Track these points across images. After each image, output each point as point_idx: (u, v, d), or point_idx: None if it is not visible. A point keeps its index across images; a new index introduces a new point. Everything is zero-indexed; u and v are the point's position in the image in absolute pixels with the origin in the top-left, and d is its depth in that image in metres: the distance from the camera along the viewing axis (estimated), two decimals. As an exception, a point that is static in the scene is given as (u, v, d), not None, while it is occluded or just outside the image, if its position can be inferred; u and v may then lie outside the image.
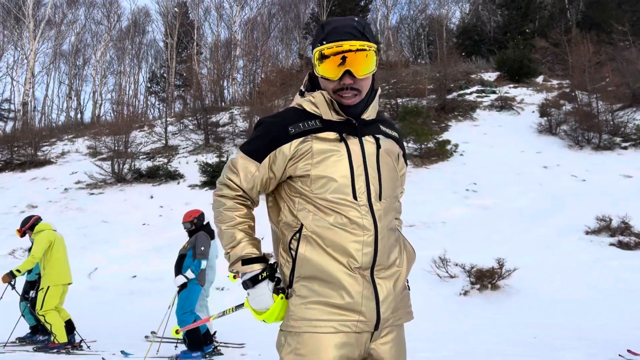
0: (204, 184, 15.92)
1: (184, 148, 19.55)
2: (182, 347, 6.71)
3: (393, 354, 1.82)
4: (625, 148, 16.21)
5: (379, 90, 1.95)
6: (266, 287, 1.78)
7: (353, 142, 1.81)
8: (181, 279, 6.55)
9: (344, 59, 1.76)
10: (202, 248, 6.68)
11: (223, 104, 27.23)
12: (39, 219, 7.15)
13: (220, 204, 1.88)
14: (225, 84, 30.74)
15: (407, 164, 2.09)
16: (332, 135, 1.80)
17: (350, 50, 1.76)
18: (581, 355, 6.08)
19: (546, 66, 23.88)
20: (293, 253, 1.78)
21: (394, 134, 1.99)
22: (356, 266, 1.73)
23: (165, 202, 14.61)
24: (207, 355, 6.42)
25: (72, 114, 34.91)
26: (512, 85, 22.16)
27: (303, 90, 1.93)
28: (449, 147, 16.57)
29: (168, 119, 21.84)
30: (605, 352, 6.17)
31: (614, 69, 19.09)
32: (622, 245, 10.49)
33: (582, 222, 11.31)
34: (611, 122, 17.14)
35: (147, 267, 9.98)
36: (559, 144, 16.83)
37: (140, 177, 16.70)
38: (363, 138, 1.84)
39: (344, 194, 1.76)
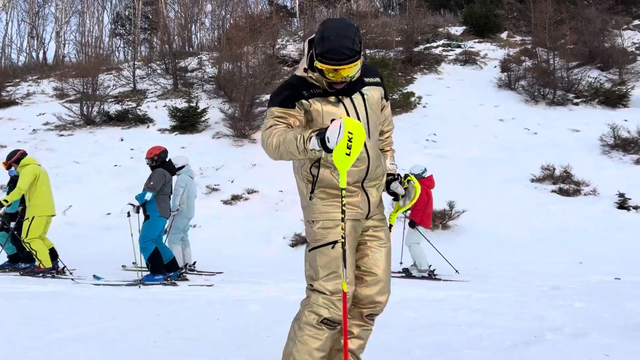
0: (173, 128, 16.21)
1: (152, 92, 19.59)
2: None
3: (377, 220, 2.62)
4: (576, 104, 17.18)
5: (361, 59, 2.50)
6: (332, 123, 2.24)
7: (347, 101, 2.49)
8: (127, 207, 7.21)
9: (337, 71, 2.32)
10: (152, 183, 7.32)
11: (191, 49, 26.99)
12: (24, 154, 7.53)
13: (275, 134, 2.38)
14: (193, 28, 30.31)
15: (388, 99, 2.74)
16: (332, 98, 2.48)
17: (336, 69, 2.31)
18: (511, 282, 7.00)
19: (511, 22, 24.41)
20: (315, 173, 2.47)
21: (376, 79, 2.62)
22: (354, 181, 2.49)
23: (136, 144, 14.89)
24: (168, 279, 7.11)
25: (33, 54, 33.84)
26: (477, 40, 22.72)
27: (307, 67, 2.46)
28: (413, 99, 17.18)
29: (136, 63, 21.67)
30: (534, 280, 7.13)
31: (573, 27, 19.81)
32: (562, 192, 11.52)
33: (530, 171, 12.28)
34: (566, 79, 18.01)
35: (121, 205, 10.41)
36: (516, 98, 17.67)
37: (110, 120, 16.82)
38: (353, 97, 2.50)
39: None
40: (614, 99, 16.60)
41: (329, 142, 2.18)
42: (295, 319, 2.56)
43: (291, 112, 2.44)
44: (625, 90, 16.89)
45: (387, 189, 2.70)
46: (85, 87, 17.64)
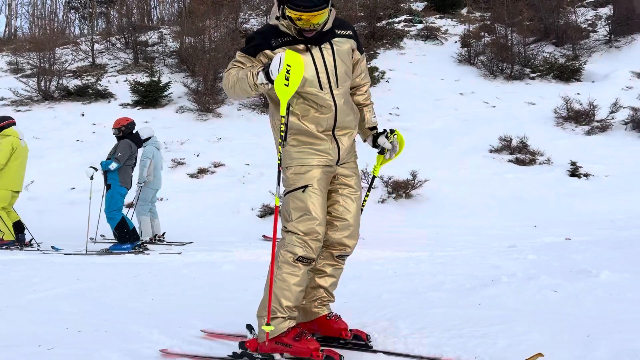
0: (136, 103, 15.98)
1: (112, 67, 19.16)
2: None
3: (349, 169, 2.78)
4: (533, 78, 17.79)
5: (334, 11, 2.64)
6: (274, 56, 2.42)
7: (315, 50, 2.61)
8: (90, 170, 7.30)
9: (300, 18, 2.46)
10: (119, 154, 7.41)
11: (151, 23, 26.37)
12: (11, 123, 7.39)
13: (230, 75, 2.60)
14: (152, 2, 29.54)
15: (362, 52, 2.89)
16: (300, 46, 2.59)
17: (305, 18, 2.45)
18: (471, 244, 7.39)
19: (471, -2, 24.85)
20: (285, 121, 2.61)
21: (348, 32, 2.74)
22: (323, 129, 2.64)
23: (97, 119, 14.65)
24: (135, 248, 7.22)
25: (-18, 28, 32.31)
26: (438, 16, 23.06)
27: (278, 15, 2.58)
28: (376, 74, 17.42)
29: (94, 37, 21.09)
30: (492, 242, 7.54)
31: (530, 4, 20.36)
32: (518, 161, 12.04)
33: (488, 142, 12.76)
34: (523, 54, 18.58)
35: (85, 179, 10.34)
36: (475, 73, 18.15)
37: (69, 95, 16.42)
38: (322, 46, 2.63)
39: (313, 86, 2.60)
40: (568, 73, 17.26)
41: (272, 74, 2.38)
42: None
43: (251, 59, 2.62)
44: (578, 65, 17.57)
45: (374, 143, 2.85)
46: (42, 61, 17.11)
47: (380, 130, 2.92)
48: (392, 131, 2.88)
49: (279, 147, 2.60)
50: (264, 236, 8.51)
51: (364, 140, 2.93)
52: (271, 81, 2.40)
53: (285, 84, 2.37)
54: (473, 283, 3.81)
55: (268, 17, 2.55)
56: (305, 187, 2.60)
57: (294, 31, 2.56)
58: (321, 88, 2.61)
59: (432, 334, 2.72)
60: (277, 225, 2.56)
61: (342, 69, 2.69)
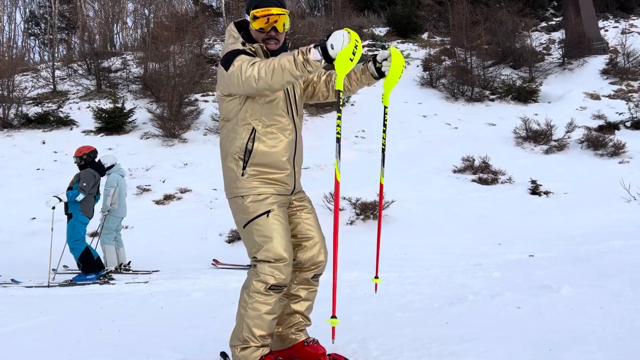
0: (99, 130, 15.74)
1: (74, 94, 18.87)
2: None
3: (300, 194, 2.87)
4: (492, 100, 18.39)
5: (289, 45, 2.87)
6: (333, 33, 2.34)
7: None
8: (54, 200, 7.18)
9: (268, 19, 2.62)
10: (84, 184, 7.31)
11: (114, 49, 26.15)
12: None
13: (264, 63, 2.44)
14: (115, 28, 29.34)
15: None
16: None
17: (274, 14, 2.61)
18: (437, 263, 7.50)
19: (431, 23, 25.63)
20: (250, 147, 2.63)
21: None
22: (286, 157, 2.69)
23: (59, 147, 14.36)
24: (100, 278, 7.07)
25: (-63, 55, 31.38)
26: (400, 41, 23.67)
27: (243, 41, 2.67)
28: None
29: (55, 64, 20.77)
30: (459, 261, 7.67)
31: (487, 28, 21.13)
32: (481, 181, 12.35)
33: (451, 162, 13.06)
34: (482, 77, 19.21)
35: (46, 209, 10.10)
36: (437, 95, 18.64)
37: (29, 122, 16.06)
38: None
39: (282, 109, 2.68)
40: (525, 94, 17.92)
41: (332, 48, 2.30)
42: (244, 287, 2.71)
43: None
44: (534, 86, 18.27)
45: (375, 65, 2.74)
46: (0, 88, 16.71)
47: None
48: (384, 47, 2.86)
49: (236, 175, 2.65)
50: (214, 261, 8.38)
51: (369, 79, 2.81)
52: (327, 57, 2.32)
53: (350, 58, 2.31)
54: (440, 302, 3.88)
55: (230, 26, 2.57)
56: (268, 212, 2.62)
57: (262, 52, 2.66)
58: (287, 113, 2.70)
59: (401, 354, 2.76)
60: (337, 197, 2.52)
61: (300, 99, 2.84)
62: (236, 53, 2.59)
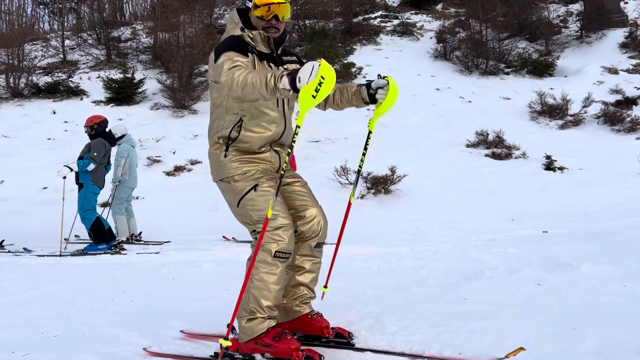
0: (109, 100, 15.65)
1: (84, 63, 18.75)
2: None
3: (291, 173, 2.87)
4: (507, 73, 18.01)
5: (287, 35, 2.86)
6: (308, 63, 2.32)
7: (274, 68, 2.69)
8: (65, 170, 7.13)
9: (269, 8, 2.64)
10: (95, 154, 7.24)
11: (123, 18, 25.88)
12: None
13: (241, 74, 2.43)
14: (124, -3, 28.96)
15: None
16: (264, 63, 2.67)
17: (275, 3, 2.63)
18: (450, 238, 7.42)
19: (446, -6, 25.05)
20: (235, 135, 2.65)
21: (293, 57, 2.89)
22: (263, 145, 2.70)
23: (70, 117, 14.33)
24: (111, 248, 7.07)
25: (-54, 23, 31.27)
26: (413, 12, 23.19)
27: (242, 26, 2.70)
28: (353, 69, 17.41)
29: (65, 33, 20.59)
30: (471, 236, 7.59)
31: (503, 0, 20.60)
32: (494, 155, 12.17)
33: (465, 137, 12.86)
34: (497, 50, 18.80)
35: (57, 179, 10.13)
36: (451, 68, 18.29)
37: (39, 92, 16.00)
38: (279, 67, 2.70)
39: (272, 102, 2.66)
40: (541, 68, 17.52)
41: (299, 81, 2.26)
42: (249, 260, 2.69)
43: (247, 58, 2.57)
44: (551, 60, 17.84)
45: (368, 91, 2.73)
46: (10, 57, 16.62)
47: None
48: (383, 77, 2.78)
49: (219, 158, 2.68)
50: (224, 237, 8.29)
51: (359, 101, 2.81)
52: (295, 88, 2.29)
53: (312, 95, 2.25)
54: (456, 278, 3.80)
55: (232, 12, 2.53)
56: (255, 186, 2.63)
57: (260, 39, 2.69)
58: (277, 106, 2.70)
59: (419, 331, 2.70)
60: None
61: None
62: (227, 47, 2.59)
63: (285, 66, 2.75)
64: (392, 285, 3.75)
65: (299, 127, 2.43)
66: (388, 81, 2.68)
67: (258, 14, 2.67)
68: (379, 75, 2.73)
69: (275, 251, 2.56)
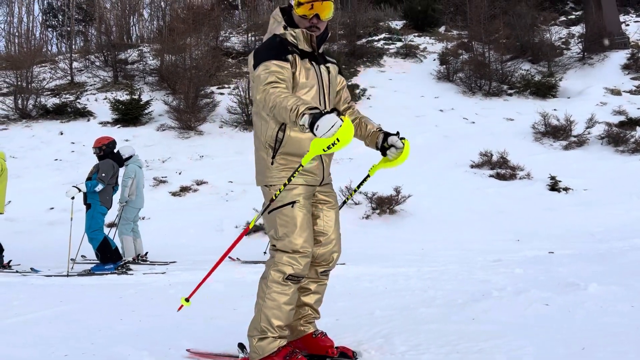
0: (116, 121, 15.82)
1: (91, 85, 19.00)
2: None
3: (327, 188, 2.83)
4: (510, 95, 18.14)
5: (329, 33, 2.86)
6: (331, 114, 2.29)
7: (316, 67, 2.72)
8: (73, 191, 7.18)
9: (312, 6, 2.63)
10: (104, 174, 7.32)
11: (130, 41, 26.27)
12: None
13: (277, 89, 2.46)
14: (131, 20, 29.47)
15: (344, 76, 3.03)
16: (306, 60, 2.67)
17: (318, 1, 2.62)
18: (455, 258, 7.42)
19: (448, 17, 25.35)
20: (280, 136, 2.61)
21: (334, 60, 2.93)
22: None
23: (77, 138, 14.48)
24: (118, 269, 7.09)
25: (-44, 46, 31.77)
26: (416, 34, 23.46)
27: (286, 25, 2.70)
28: (357, 91, 17.58)
29: (73, 55, 20.91)
30: (477, 257, 7.57)
31: (506, 22, 20.84)
32: (499, 176, 12.20)
33: (469, 157, 12.91)
34: (500, 71, 18.96)
35: (64, 199, 10.21)
36: (454, 89, 18.44)
37: (47, 113, 16.21)
38: (320, 66, 2.75)
39: (315, 99, 2.67)
40: (544, 89, 17.64)
41: (316, 129, 2.24)
42: (262, 278, 2.72)
43: (286, 66, 2.57)
44: (554, 81, 17.97)
45: (384, 142, 2.76)
46: (19, 79, 16.87)
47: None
48: (401, 137, 2.81)
49: (266, 163, 2.66)
50: (230, 257, 8.28)
51: (370, 144, 2.86)
52: (312, 130, 2.27)
53: (323, 149, 2.27)
54: (464, 298, 3.81)
55: (276, 11, 2.54)
56: (294, 202, 2.62)
57: (303, 37, 2.66)
58: (320, 103, 2.69)
59: (428, 350, 2.71)
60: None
61: (332, 90, 2.83)
62: (267, 52, 2.60)
63: (326, 65, 2.77)
64: (399, 305, 3.76)
65: (302, 166, 2.46)
66: (404, 144, 2.71)
67: (300, 13, 2.66)
68: (398, 133, 2.75)
69: (289, 274, 2.59)
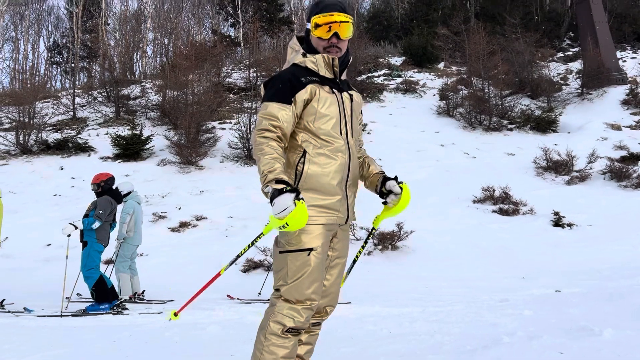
0: (116, 156, 15.80)
1: (93, 120, 19.09)
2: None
3: (344, 232, 2.69)
4: (510, 129, 18.19)
5: (351, 57, 2.75)
6: (289, 195, 2.26)
7: (338, 94, 2.61)
8: (69, 228, 7.04)
9: (330, 27, 2.55)
10: (101, 211, 7.20)
11: (133, 77, 26.56)
12: None
13: (263, 142, 2.43)
14: (135, 57, 29.89)
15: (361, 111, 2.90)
16: (327, 88, 2.57)
17: (336, 22, 2.54)
18: (461, 297, 7.23)
19: (447, 53, 25.69)
20: (300, 169, 2.49)
21: (356, 90, 2.82)
22: (337, 181, 2.52)
23: (77, 173, 14.42)
24: (113, 308, 6.89)
25: (-39, 81, 32.14)
26: (416, 70, 23.74)
27: (304, 52, 2.61)
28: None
29: (76, 91, 21.09)
30: (482, 295, 7.39)
31: (504, 58, 21.09)
32: (502, 211, 12.07)
33: (471, 192, 12.81)
34: (500, 107, 19.06)
35: (62, 235, 10.09)
36: (455, 124, 18.50)
37: (48, 148, 16.22)
38: (342, 93, 2.64)
39: (335, 129, 2.55)
40: (544, 124, 17.70)
41: (272, 206, 2.25)
42: (260, 328, 2.57)
43: (286, 108, 2.48)
44: (553, 116, 18.05)
45: (382, 186, 2.68)
46: (21, 115, 16.95)
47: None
48: (400, 181, 2.72)
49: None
50: (228, 296, 8.03)
51: (370, 186, 2.78)
52: (271, 204, 2.27)
53: (279, 227, 2.29)
54: (473, 344, 3.64)
55: (292, 39, 2.51)
56: (310, 250, 2.46)
57: (323, 62, 2.57)
58: (340, 134, 2.56)
59: (438, 404, 2.54)
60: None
61: (356, 121, 2.71)
62: (275, 88, 2.53)
63: (349, 92, 2.67)
64: (405, 351, 3.59)
65: (263, 234, 2.40)
66: (402, 188, 2.63)
67: (318, 34, 2.57)
68: (396, 177, 2.67)
69: (289, 328, 2.46)
